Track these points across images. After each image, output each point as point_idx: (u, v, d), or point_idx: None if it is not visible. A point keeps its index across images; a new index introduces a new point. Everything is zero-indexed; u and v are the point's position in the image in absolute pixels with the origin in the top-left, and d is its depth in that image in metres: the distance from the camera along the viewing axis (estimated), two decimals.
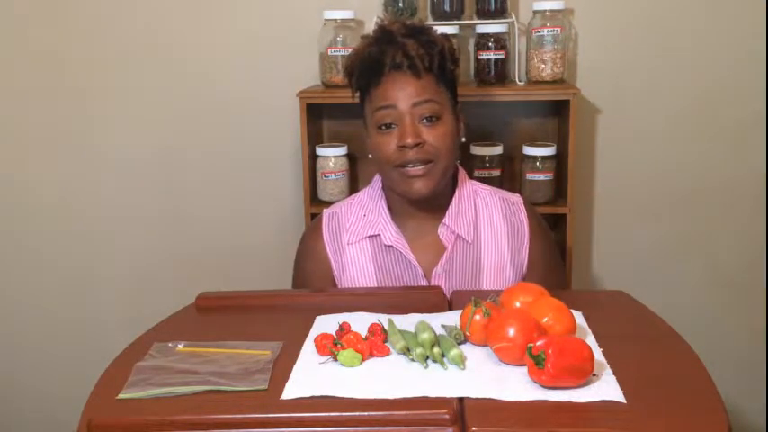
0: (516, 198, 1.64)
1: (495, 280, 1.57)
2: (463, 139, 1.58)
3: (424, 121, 1.48)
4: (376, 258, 1.58)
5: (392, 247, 1.56)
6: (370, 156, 1.56)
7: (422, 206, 1.56)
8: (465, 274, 1.57)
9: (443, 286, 1.55)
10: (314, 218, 1.99)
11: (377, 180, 1.63)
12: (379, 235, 1.57)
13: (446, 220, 1.56)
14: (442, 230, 1.57)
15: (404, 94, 1.47)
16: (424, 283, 1.55)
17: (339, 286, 1.60)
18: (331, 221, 1.62)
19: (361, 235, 1.59)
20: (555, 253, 1.67)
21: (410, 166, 1.48)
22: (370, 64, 1.50)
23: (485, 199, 1.61)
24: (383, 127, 1.50)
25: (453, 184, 1.60)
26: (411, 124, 1.47)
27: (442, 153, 1.48)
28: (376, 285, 1.57)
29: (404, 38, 1.48)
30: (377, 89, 1.50)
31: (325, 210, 1.67)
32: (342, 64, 1.98)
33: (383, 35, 1.51)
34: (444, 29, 1.92)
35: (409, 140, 1.46)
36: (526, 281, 1.58)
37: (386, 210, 1.59)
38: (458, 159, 1.58)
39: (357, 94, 1.57)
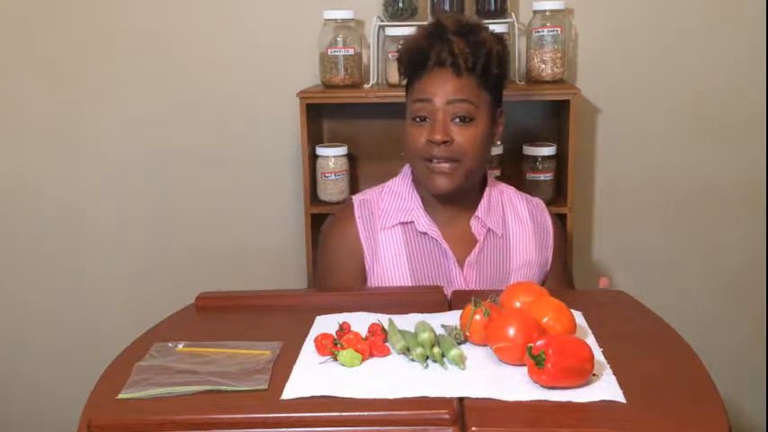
0: (537, 200, 1.70)
1: (524, 275, 1.60)
2: (498, 143, 1.60)
3: (457, 120, 1.50)
4: (408, 245, 1.58)
5: (426, 234, 1.57)
6: (402, 153, 1.59)
7: (452, 200, 1.58)
8: (495, 266, 1.59)
9: (475, 276, 1.57)
10: (314, 218, 2.00)
11: (407, 169, 1.64)
12: (413, 222, 1.58)
13: (478, 213, 1.59)
14: (474, 223, 1.59)
15: (441, 91, 1.50)
16: (457, 270, 1.56)
17: (370, 273, 1.58)
18: (363, 207, 1.61)
19: (395, 221, 1.59)
20: (566, 255, 1.72)
21: (435, 161, 1.50)
22: (416, 56, 1.53)
23: (510, 197, 1.66)
24: (417, 119, 1.52)
25: (482, 182, 1.62)
26: (442, 121, 1.49)
27: (468, 154, 1.50)
28: (409, 272, 1.56)
29: (454, 35, 1.50)
30: (418, 81, 1.53)
31: (353, 196, 1.66)
32: (337, 60, 1.98)
33: (436, 29, 1.54)
34: None
35: (437, 137, 1.48)
36: (547, 278, 1.64)
37: (419, 198, 1.60)
38: (488, 161, 1.59)
39: (404, 82, 1.60)
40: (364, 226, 1.59)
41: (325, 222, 1.71)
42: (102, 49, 2.19)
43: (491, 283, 1.58)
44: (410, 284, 1.56)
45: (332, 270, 1.61)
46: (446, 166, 1.50)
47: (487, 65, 1.51)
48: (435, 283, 1.55)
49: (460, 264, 1.57)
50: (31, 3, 2.18)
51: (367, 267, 1.59)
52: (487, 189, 1.61)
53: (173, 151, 2.24)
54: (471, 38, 1.51)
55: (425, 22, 1.97)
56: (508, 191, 1.67)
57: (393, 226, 1.59)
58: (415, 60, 1.54)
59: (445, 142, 1.48)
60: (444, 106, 1.50)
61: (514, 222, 1.62)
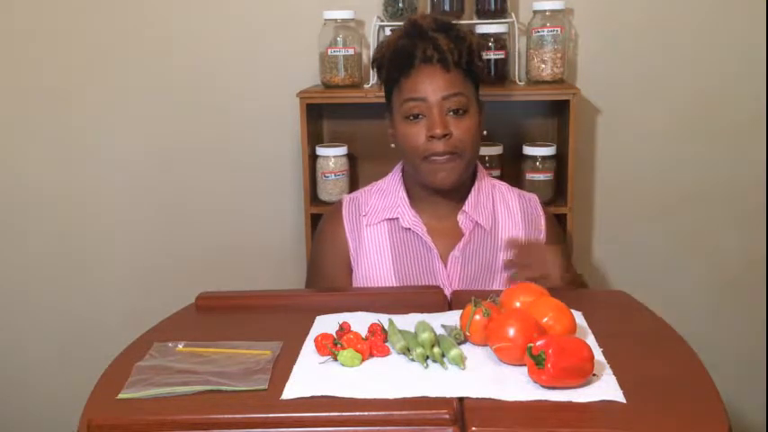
0: (532, 195, 1.70)
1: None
2: (485, 133, 1.62)
3: (451, 113, 1.52)
4: (393, 240, 1.61)
5: (410, 230, 1.59)
6: (392, 145, 1.61)
7: (442, 194, 1.59)
8: (481, 260, 1.59)
9: (459, 271, 1.58)
10: (314, 218, 2.01)
11: (397, 168, 1.67)
12: (398, 218, 1.61)
13: (466, 207, 1.60)
14: (461, 217, 1.60)
15: (433, 87, 1.51)
16: (439, 264, 1.58)
17: (355, 267, 1.62)
18: (351, 205, 1.66)
19: (380, 217, 1.62)
20: (568, 252, 1.72)
21: (437, 156, 1.52)
22: (400, 56, 1.53)
23: (502, 192, 1.66)
24: (411, 117, 1.53)
25: (473, 176, 1.64)
26: (439, 115, 1.51)
27: (467, 145, 1.53)
28: (392, 267, 1.59)
29: (434, 32, 1.52)
30: (407, 81, 1.54)
31: (345, 195, 1.72)
32: (337, 60, 1.99)
33: (413, 29, 1.55)
34: None
35: (438, 131, 1.50)
36: None
37: (404, 195, 1.62)
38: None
39: (383, 87, 1.61)
40: (350, 223, 1.64)
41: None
42: (101, 50, 2.19)
43: (476, 278, 1.58)
44: (393, 279, 1.59)
45: (318, 264, 1.67)
46: (446, 158, 1.51)
47: (471, 57, 1.54)
48: (419, 278, 1.58)
49: (444, 258, 1.58)
50: (32, 4, 2.18)
51: (352, 262, 1.62)
52: (476, 183, 1.63)
53: (173, 151, 2.24)
54: (452, 33, 1.54)
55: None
56: (501, 185, 1.68)
57: (378, 222, 1.62)
58: (399, 61, 1.54)
59: (446, 135, 1.50)
60: (439, 102, 1.51)
61: (505, 216, 1.63)
